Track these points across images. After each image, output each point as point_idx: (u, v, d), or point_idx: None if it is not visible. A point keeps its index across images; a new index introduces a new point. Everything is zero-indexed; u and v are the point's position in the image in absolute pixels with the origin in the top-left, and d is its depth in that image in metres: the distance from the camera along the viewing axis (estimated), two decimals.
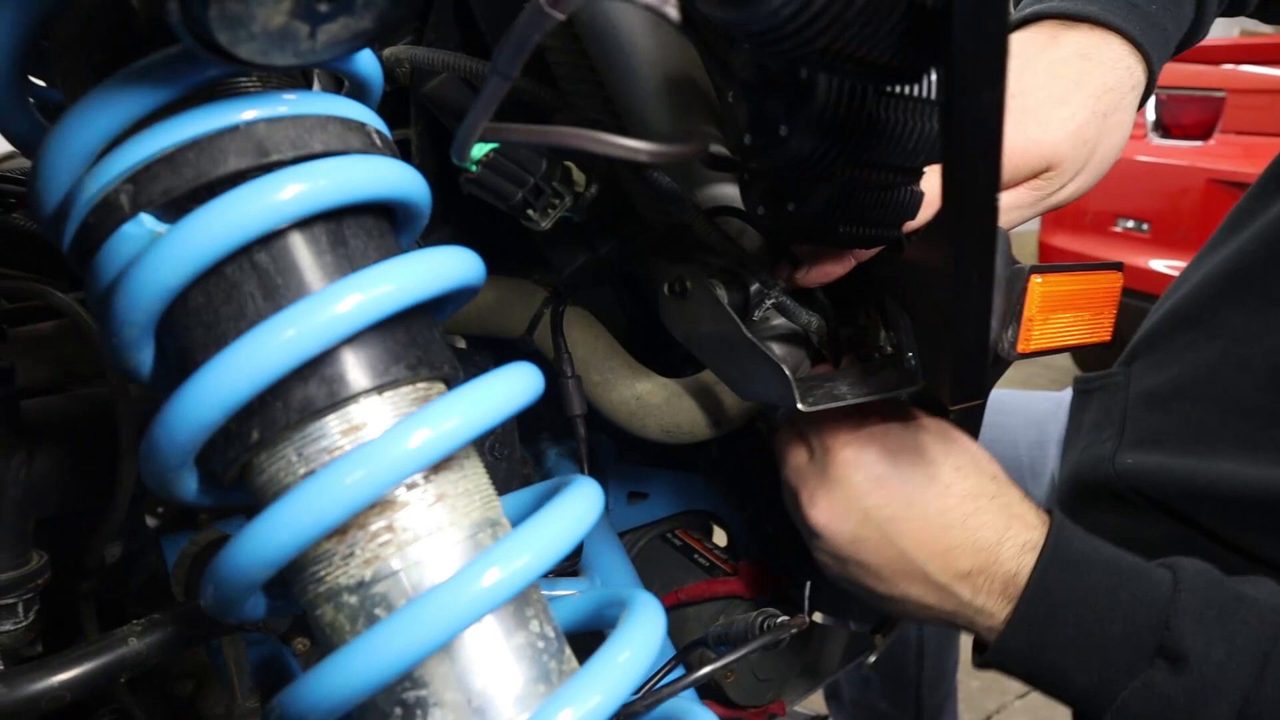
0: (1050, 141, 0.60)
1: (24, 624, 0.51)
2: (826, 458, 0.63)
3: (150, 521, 0.68)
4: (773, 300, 0.62)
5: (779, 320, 0.64)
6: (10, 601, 0.50)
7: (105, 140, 0.31)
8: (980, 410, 0.71)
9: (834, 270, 0.60)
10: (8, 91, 0.34)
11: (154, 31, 0.32)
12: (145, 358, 0.34)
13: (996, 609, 0.62)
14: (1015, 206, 0.63)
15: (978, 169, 0.35)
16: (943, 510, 0.62)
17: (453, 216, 0.77)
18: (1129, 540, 0.84)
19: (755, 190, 0.53)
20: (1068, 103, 0.61)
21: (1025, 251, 3.64)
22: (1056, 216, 3.54)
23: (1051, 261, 0.59)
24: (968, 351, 0.45)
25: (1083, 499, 0.91)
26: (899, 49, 0.33)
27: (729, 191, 0.62)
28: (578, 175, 0.63)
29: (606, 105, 0.62)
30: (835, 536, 0.63)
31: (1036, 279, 0.57)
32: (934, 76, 0.43)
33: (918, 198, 0.52)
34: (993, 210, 0.37)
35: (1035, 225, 3.94)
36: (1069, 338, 0.61)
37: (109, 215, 0.31)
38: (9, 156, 1.16)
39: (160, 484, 0.34)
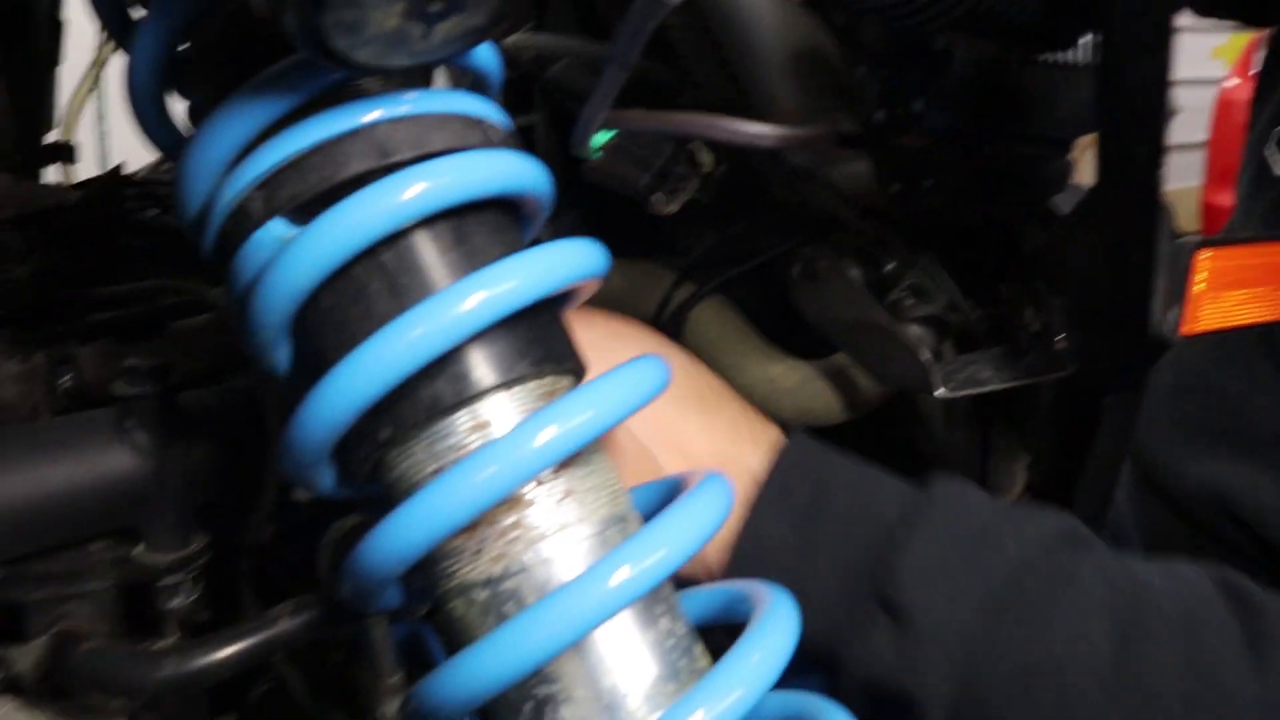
0: None
1: (190, 599, 0.55)
2: None
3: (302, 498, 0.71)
4: (909, 281, 0.59)
5: (916, 301, 0.61)
6: (176, 580, 0.53)
7: (237, 149, 0.32)
8: (1137, 401, 0.66)
9: None
10: (152, 101, 0.36)
11: (281, 40, 0.32)
12: (282, 357, 0.35)
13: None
14: None
15: (1138, 141, 0.32)
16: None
17: (579, 200, 0.76)
18: None
19: (888, 168, 0.50)
20: None
21: (1185, 211, 3.39)
22: (1222, 171, 3.28)
23: (1214, 221, 0.54)
24: (1126, 337, 0.42)
25: None
26: (1047, 12, 0.31)
27: (862, 169, 0.60)
28: (704, 156, 0.61)
29: (732, 84, 0.61)
30: None
31: (1204, 254, 0.52)
32: (1087, 40, 0.39)
33: (1067, 169, 0.48)
34: (1155, 186, 0.34)
35: (1197, 183, 3.66)
36: (1242, 315, 0.56)
37: (243, 221, 0.32)
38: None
39: (299, 478, 0.35)
